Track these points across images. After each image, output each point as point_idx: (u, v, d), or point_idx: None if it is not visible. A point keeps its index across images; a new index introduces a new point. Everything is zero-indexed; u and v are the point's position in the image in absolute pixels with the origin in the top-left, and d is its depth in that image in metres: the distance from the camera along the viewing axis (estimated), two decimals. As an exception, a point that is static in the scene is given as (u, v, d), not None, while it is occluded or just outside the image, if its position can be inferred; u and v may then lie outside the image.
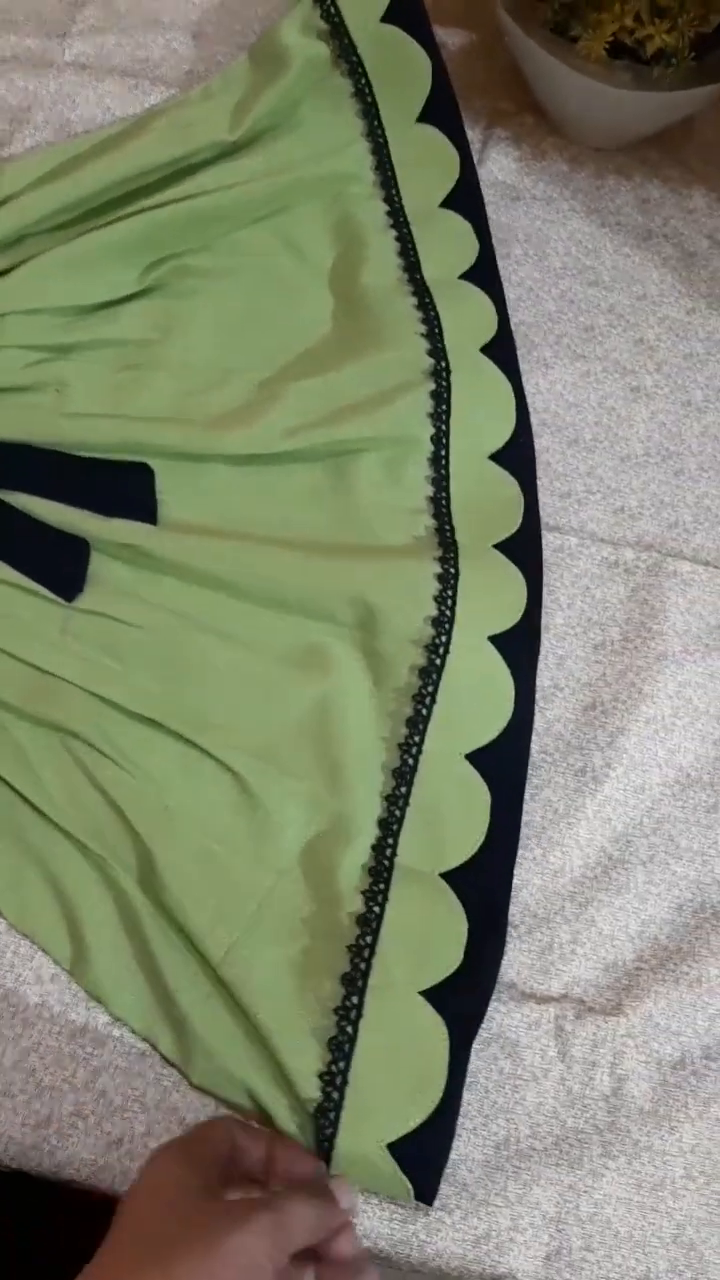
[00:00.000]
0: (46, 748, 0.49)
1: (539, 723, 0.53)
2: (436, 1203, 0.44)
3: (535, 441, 0.59)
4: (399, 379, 0.57)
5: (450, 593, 0.52)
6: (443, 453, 0.56)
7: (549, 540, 0.57)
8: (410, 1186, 0.43)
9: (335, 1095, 0.43)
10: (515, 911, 0.49)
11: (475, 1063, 0.46)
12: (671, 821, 0.52)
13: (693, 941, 0.49)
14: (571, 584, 0.56)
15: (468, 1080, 0.45)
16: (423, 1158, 0.43)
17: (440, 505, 0.55)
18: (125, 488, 0.54)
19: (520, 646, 0.53)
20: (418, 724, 0.50)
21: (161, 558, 0.52)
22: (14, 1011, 0.47)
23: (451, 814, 0.49)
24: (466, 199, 0.62)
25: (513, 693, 0.51)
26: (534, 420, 0.59)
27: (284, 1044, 0.44)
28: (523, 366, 0.60)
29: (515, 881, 0.50)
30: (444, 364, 0.58)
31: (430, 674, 0.51)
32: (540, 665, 0.54)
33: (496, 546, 0.54)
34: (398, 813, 0.49)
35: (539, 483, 0.58)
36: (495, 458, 0.57)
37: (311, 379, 0.57)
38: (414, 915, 0.47)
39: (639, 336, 0.62)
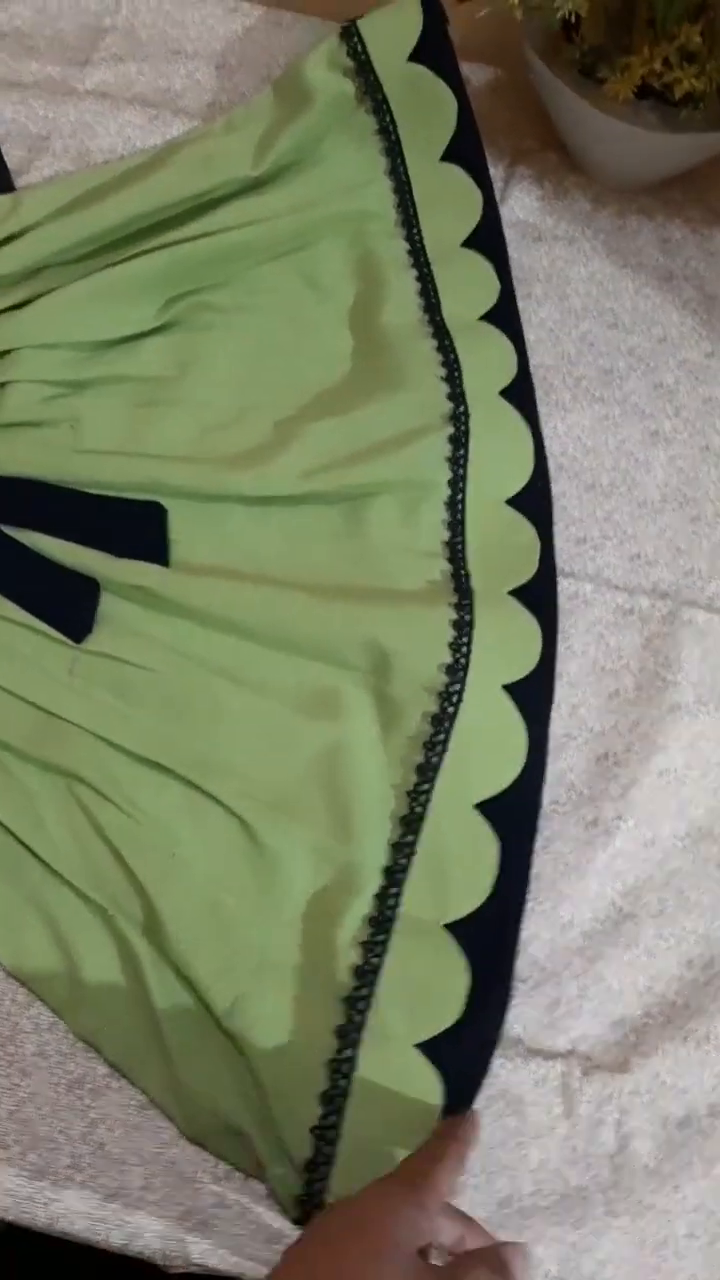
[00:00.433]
0: (51, 791, 0.49)
1: (550, 772, 0.52)
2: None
3: (552, 486, 0.58)
4: (417, 422, 0.57)
5: (465, 640, 0.51)
6: (459, 497, 0.56)
7: (564, 586, 0.56)
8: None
9: (327, 1150, 0.43)
10: (523, 965, 0.49)
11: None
12: (682, 875, 0.51)
13: (701, 998, 0.49)
14: (586, 631, 0.56)
15: (472, 1137, 0.45)
16: None
17: (456, 550, 0.55)
18: (138, 527, 0.54)
19: (534, 696, 0.52)
20: (428, 771, 0.49)
21: (172, 599, 0.52)
22: (10, 1060, 0.46)
23: (458, 863, 0.48)
24: (488, 239, 0.62)
25: (525, 743, 0.51)
26: (551, 464, 0.59)
27: (278, 1097, 0.43)
28: (541, 410, 0.60)
29: (523, 934, 0.49)
30: (463, 408, 0.57)
31: (442, 721, 0.50)
32: (553, 714, 0.53)
33: (512, 593, 0.54)
34: (404, 861, 0.48)
35: (554, 527, 0.57)
36: (512, 502, 0.57)
37: (329, 420, 0.56)
38: (414, 966, 0.46)
39: (658, 380, 0.62)
